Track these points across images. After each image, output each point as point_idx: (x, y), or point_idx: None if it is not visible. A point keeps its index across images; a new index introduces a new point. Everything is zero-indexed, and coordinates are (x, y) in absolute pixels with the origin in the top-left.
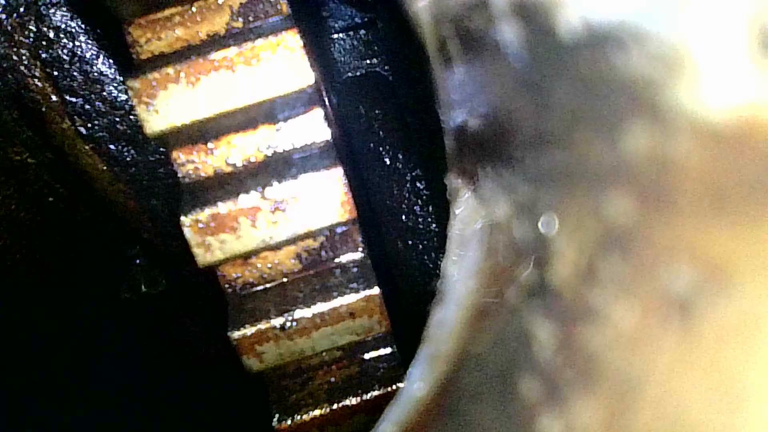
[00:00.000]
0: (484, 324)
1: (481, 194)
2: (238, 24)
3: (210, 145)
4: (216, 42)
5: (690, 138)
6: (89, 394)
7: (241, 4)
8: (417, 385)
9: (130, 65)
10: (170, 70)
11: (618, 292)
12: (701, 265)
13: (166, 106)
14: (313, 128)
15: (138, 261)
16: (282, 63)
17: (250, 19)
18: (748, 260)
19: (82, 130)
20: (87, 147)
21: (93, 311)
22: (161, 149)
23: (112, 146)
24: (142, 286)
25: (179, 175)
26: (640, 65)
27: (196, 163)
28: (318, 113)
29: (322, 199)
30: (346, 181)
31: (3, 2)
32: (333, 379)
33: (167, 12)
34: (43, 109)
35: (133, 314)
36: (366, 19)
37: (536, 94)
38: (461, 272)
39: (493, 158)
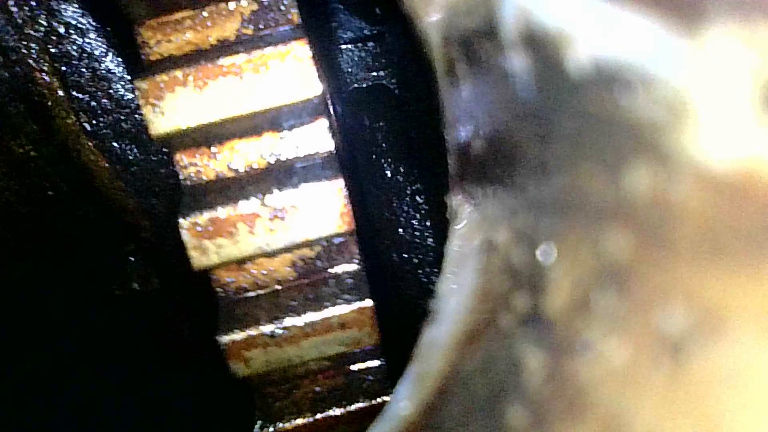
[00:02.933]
0: (474, 347)
1: (482, 217)
2: (249, 31)
3: (213, 149)
4: (225, 48)
5: (691, 183)
6: (74, 387)
7: (252, 11)
8: (403, 403)
9: (139, 66)
10: (178, 73)
11: (611, 327)
12: (695, 308)
13: (173, 108)
14: (317, 138)
15: (132, 258)
16: (290, 72)
17: (261, 26)
18: (742, 307)
19: (87, 126)
20: (90, 143)
21: (83, 306)
22: (164, 149)
23: (115, 144)
24: (134, 284)
25: (181, 177)
26: (646, 108)
27: (199, 166)
28: (323, 123)
29: (322, 210)
30: (347, 192)
31: None
32: (318, 389)
33: (178, 15)
34: (49, 104)
35: (124, 311)
36: (375, 32)
37: (540, 124)
38: (456, 293)
39: (495, 182)
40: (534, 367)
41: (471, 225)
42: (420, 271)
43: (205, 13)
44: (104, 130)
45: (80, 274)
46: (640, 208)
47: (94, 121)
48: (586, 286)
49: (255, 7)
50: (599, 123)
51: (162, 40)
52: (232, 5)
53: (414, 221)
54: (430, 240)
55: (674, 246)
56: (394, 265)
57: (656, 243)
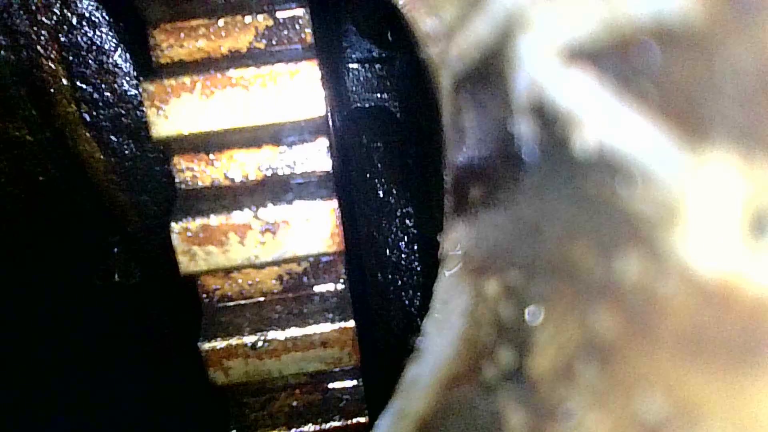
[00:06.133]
0: (456, 391)
1: (473, 263)
2: (261, 45)
3: (212, 156)
4: (236, 59)
5: (678, 281)
6: (48, 375)
7: (267, 26)
8: None
9: (148, 67)
10: (187, 79)
11: (592, 401)
12: (674, 400)
13: (177, 113)
14: (315, 157)
15: (116, 250)
16: (297, 90)
17: (274, 42)
18: (717, 407)
19: (87, 117)
20: (88, 134)
21: (63, 293)
22: (160, 148)
23: (113, 137)
24: (116, 276)
25: (176, 180)
26: (642, 202)
27: (195, 171)
28: (323, 143)
29: (313, 228)
30: (339, 213)
31: None
32: (295, 404)
33: (194, 22)
34: (52, 91)
35: (103, 302)
36: (384, 55)
37: (540, 189)
38: (442, 335)
39: (490, 231)
40: (515, 425)
41: (462, 269)
42: (403, 294)
43: (220, 23)
44: (103, 123)
45: (63, 262)
46: (629, 293)
47: (94, 113)
48: (570, 354)
49: (270, 22)
50: (597, 205)
51: (174, 45)
52: (248, 18)
53: (401, 243)
54: (416, 263)
55: (658, 336)
56: (379, 285)
57: (641, 329)
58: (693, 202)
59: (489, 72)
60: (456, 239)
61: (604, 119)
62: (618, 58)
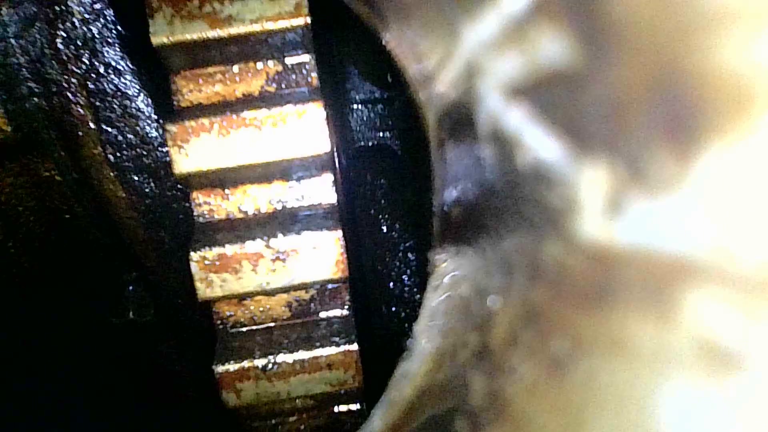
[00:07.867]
0: (437, 376)
1: (454, 273)
2: (271, 89)
3: (227, 191)
4: (249, 102)
5: (577, 252)
6: (61, 410)
7: (277, 71)
8: (376, 423)
9: (171, 111)
10: (206, 120)
11: (527, 355)
12: (572, 337)
13: (196, 151)
14: (321, 191)
15: (131, 287)
16: (304, 129)
17: (283, 86)
18: (598, 334)
19: (111, 158)
20: (112, 174)
21: (79, 330)
22: (178, 186)
23: (134, 176)
24: (130, 313)
25: (195, 213)
26: (557, 198)
27: (212, 205)
28: (328, 178)
29: (320, 256)
30: (344, 243)
31: (64, 35)
32: (302, 427)
33: (211, 69)
34: (80, 134)
35: (117, 338)
36: (385, 96)
37: (497, 201)
38: (429, 334)
39: (466, 245)
40: (477, 388)
41: (446, 279)
42: (406, 324)
43: (235, 69)
44: (126, 163)
45: (81, 298)
46: (552, 271)
47: (118, 154)
48: (516, 326)
49: (280, 68)
50: (532, 206)
51: (194, 90)
52: (259, 65)
53: (404, 276)
54: (418, 296)
55: (568, 296)
56: (383, 317)
57: (558, 294)
58: (584, 194)
59: (462, 108)
60: (441, 253)
61: (535, 139)
62: (539, 92)
